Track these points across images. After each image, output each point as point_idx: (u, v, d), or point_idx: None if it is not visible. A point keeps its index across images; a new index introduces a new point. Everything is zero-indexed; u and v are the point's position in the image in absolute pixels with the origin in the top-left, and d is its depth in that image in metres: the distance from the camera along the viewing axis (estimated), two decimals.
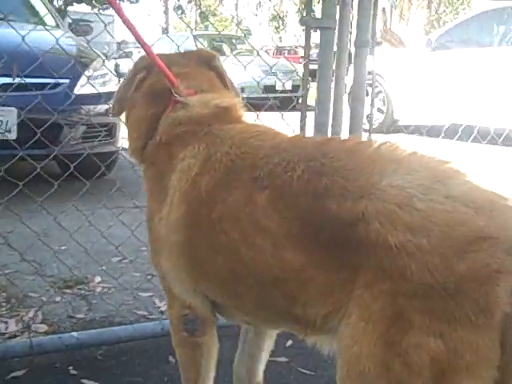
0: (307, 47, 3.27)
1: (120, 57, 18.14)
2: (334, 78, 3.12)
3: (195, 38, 16.36)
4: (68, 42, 6.25)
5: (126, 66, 17.60)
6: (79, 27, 7.19)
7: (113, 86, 5.93)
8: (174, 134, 2.13)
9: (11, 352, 2.87)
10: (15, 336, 3.12)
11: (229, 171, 1.95)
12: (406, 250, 1.60)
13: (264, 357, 2.45)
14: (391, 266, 1.61)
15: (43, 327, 3.24)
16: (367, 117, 3.55)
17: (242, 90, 13.07)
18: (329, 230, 1.72)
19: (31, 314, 3.36)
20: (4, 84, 4.99)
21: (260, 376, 2.46)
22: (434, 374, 1.59)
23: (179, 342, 2.15)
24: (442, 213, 1.63)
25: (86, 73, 5.58)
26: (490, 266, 1.56)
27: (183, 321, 2.09)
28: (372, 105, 3.50)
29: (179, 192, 2.01)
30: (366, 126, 3.57)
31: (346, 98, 3.35)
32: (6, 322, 3.29)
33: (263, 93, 11.54)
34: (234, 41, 18.33)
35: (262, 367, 2.46)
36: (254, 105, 3.76)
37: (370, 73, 3.33)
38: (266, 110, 3.52)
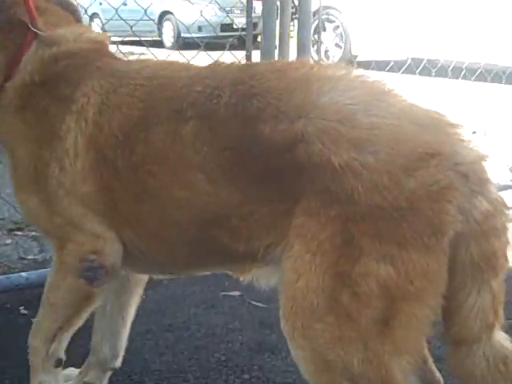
0: None
1: None
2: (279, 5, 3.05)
3: None
4: None
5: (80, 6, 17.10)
6: None
7: None
8: (51, 72, 1.85)
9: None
10: None
11: (145, 107, 1.75)
12: (351, 170, 1.51)
13: (128, 329, 2.21)
14: (337, 189, 1.52)
15: None
16: (325, 53, 3.52)
17: (200, 29, 12.82)
18: (264, 158, 1.59)
19: None
20: None
21: (120, 358, 2.22)
22: (384, 303, 1.52)
23: (69, 287, 1.86)
24: (388, 128, 1.54)
25: None
26: (439, 182, 1.50)
27: (85, 266, 1.82)
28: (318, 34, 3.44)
29: (82, 136, 1.77)
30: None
31: None
32: None
33: (221, 31, 11.34)
34: None
35: (123, 348, 2.22)
36: (212, 44, 3.70)
37: (326, 7, 3.26)
38: (225, 49, 3.48)
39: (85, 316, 1.94)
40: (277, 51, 3.13)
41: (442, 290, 1.55)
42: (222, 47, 3.59)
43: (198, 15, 12.01)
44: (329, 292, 1.55)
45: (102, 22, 16.15)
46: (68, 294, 1.87)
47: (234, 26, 12.57)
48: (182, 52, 3.79)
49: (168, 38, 15.81)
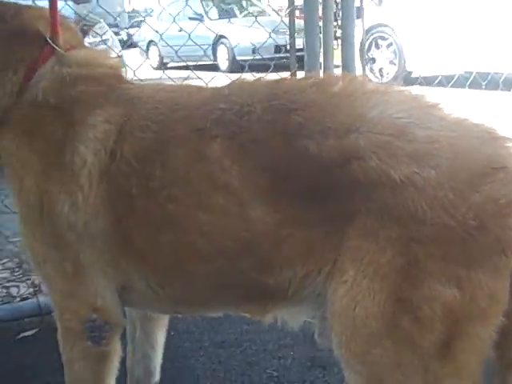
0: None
1: (131, 26, 18.07)
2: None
3: (202, 1, 16.28)
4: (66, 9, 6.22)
5: (138, 35, 17.58)
6: None
7: (116, 51, 5.93)
8: (68, 94, 1.70)
9: (20, 312, 2.95)
10: (26, 298, 3.19)
11: (161, 128, 1.62)
12: (413, 185, 1.39)
13: (159, 354, 2.16)
14: (398, 207, 1.40)
15: None
16: (379, 71, 3.54)
17: (253, 51, 12.95)
18: (307, 176, 1.48)
19: None
20: None
21: (158, 375, 2.18)
22: (447, 326, 1.42)
23: (80, 355, 1.74)
24: (447, 141, 1.44)
25: (87, 39, 5.57)
26: (506, 197, 1.40)
27: (89, 328, 1.70)
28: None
29: (96, 167, 1.62)
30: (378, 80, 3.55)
31: None
32: (17, 286, 3.37)
33: (275, 52, 11.43)
34: (244, 3, 18.11)
35: (159, 366, 2.17)
36: (267, 65, 3.76)
37: (379, 25, 3.29)
38: (278, 70, 3.54)
39: (112, 383, 1.82)
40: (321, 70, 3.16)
41: (504, 309, 1.46)
42: (277, 68, 3.64)
43: (252, 38, 12.21)
44: (389, 317, 1.45)
45: (158, 48, 16.61)
46: (82, 364, 1.75)
47: (288, 48, 12.69)
48: (235, 74, 3.87)
49: (222, 61, 16.06)
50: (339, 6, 3.12)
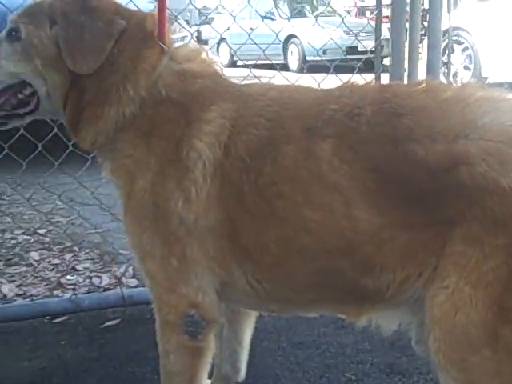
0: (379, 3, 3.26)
1: (201, 23, 18.26)
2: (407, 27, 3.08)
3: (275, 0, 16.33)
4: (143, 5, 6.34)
5: (208, 32, 17.74)
6: None
7: None
8: (187, 90, 1.74)
9: (105, 303, 3.05)
10: (109, 289, 3.29)
11: (273, 126, 1.64)
12: None
13: (246, 351, 2.22)
14: (505, 214, 1.41)
15: (134, 282, 3.39)
16: (453, 75, 3.50)
17: (324, 52, 12.92)
18: (414, 180, 1.49)
19: (122, 270, 3.52)
20: None
21: (243, 372, 2.25)
22: None
23: (176, 347, 1.79)
24: None
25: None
26: None
27: (187, 322, 1.76)
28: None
29: (211, 161, 1.65)
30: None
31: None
32: (99, 277, 3.48)
33: (346, 55, 11.35)
34: (315, 2, 18.05)
35: (245, 363, 2.24)
36: (337, 67, 3.77)
37: (455, 28, 3.26)
38: (348, 72, 3.56)
39: (205, 377, 1.87)
40: (406, 73, 3.15)
41: None
42: (347, 70, 3.64)
43: (324, 39, 12.15)
44: (490, 326, 1.46)
45: (229, 46, 16.74)
46: (178, 356, 1.80)
47: (360, 49, 12.65)
48: (308, 75, 3.87)
49: (293, 61, 16.05)
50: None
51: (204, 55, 1.88)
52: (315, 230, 1.58)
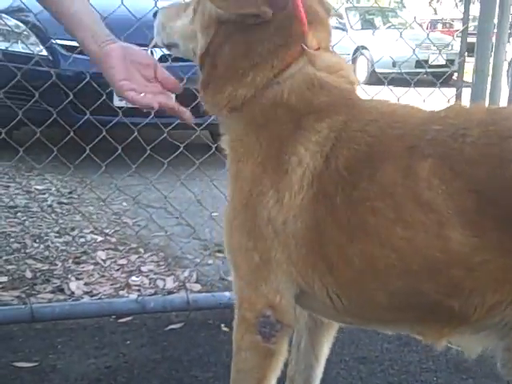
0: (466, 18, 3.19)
1: None
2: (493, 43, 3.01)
3: (346, 10, 16.24)
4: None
5: None
6: None
7: None
8: (310, 100, 1.72)
9: (170, 306, 3.09)
10: (172, 293, 3.33)
11: (374, 142, 1.63)
12: None
13: (322, 366, 2.17)
14: None
15: (197, 286, 3.43)
16: None
17: (394, 64, 12.80)
18: None
19: (186, 274, 3.57)
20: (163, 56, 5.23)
21: None
22: None
23: (248, 346, 1.79)
24: None
25: None
26: None
27: (262, 322, 1.75)
28: None
29: (310, 170, 1.66)
30: None
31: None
32: (163, 280, 3.52)
33: (416, 67, 11.22)
34: (386, 13, 17.93)
35: (319, 379, 2.18)
36: (407, 80, 3.72)
37: None
38: (417, 85, 3.51)
39: (273, 382, 1.84)
40: (487, 91, 3.08)
41: None
42: (416, 83, 3.58)
43: (393, 51, 12.03)
44: None
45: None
46: (249, 354, 1.79)
47: (430, 63, 12.47)
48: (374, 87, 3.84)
49: (361, 72, 15.95)
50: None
51: (346, 72, 1.83)
52: (403, 248, 1.54)
